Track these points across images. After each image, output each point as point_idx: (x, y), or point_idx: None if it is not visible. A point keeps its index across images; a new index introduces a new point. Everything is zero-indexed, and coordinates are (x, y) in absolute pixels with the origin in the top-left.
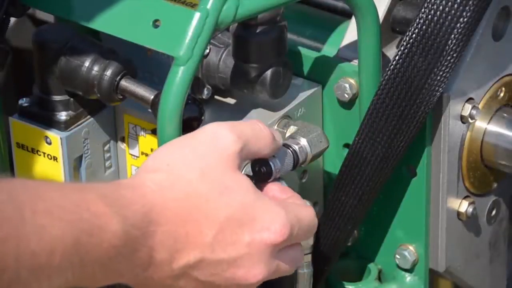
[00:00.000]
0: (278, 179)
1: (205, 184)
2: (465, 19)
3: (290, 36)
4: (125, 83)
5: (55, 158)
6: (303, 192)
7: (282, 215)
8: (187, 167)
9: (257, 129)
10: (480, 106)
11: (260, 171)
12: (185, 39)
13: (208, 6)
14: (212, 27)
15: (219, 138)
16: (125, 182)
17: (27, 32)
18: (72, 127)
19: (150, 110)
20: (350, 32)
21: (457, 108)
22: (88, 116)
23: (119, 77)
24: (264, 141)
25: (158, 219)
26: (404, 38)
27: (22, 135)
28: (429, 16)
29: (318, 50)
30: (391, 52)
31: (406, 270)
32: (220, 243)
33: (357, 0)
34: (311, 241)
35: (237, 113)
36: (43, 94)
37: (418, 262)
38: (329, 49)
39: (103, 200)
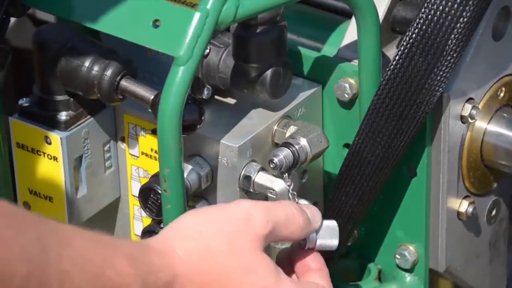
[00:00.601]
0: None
1: (231, 260)
2: (465, 19)
3: (290, 36)
4: (125, 83)
5: (55, 158)
6: (303, 192)
7: None
8: (217, 240)
9: (290, 215)
10: (480, 106)
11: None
12: (185, 39)
13: (208, 6)
14: (212, 27)
15: (251, 219)
16: (155, 247)
17: (27, 32)
18: (72, 127)
19: (150, 110)
20: (350, 32)
21: (457, 108)
22: (88, 116)
23: (119, 77)
24: (295, 227)
25: None
26: (404, 38)
27: (22, 135)
28: (429, 16)
29: (318, 50)
30: (391, 52)
31: (406, 270)
32: None
33: (357, 0)
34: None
35: (237, 113)
36: (43, 94)
37: (418, 262)
38: (329, 49)
39: (129, 261)
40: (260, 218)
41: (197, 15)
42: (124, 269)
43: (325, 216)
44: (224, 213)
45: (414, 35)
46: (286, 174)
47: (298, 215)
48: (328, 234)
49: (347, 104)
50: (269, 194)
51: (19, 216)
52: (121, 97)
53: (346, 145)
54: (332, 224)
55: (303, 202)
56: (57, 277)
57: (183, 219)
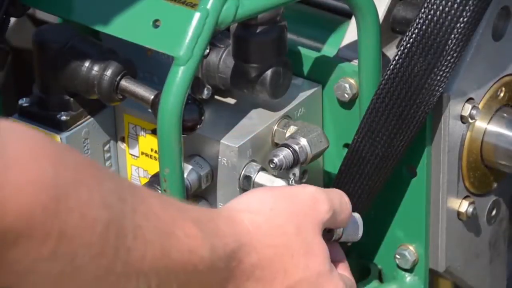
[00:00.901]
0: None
1: (296, 240)
2: (465, 19)
3: (290, 36)
4: (125, 83)
5: None
6: None
7: None
8: (285, 219)
9: (344, 203)
10: (480, 106)
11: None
12: (185, 39)
13: (208, 6)
14: (212, 27)
15: (318, 203)
16: (224, 215)
17: (27, 32)
18: (72, 127)
19: (150, 110)
20: (350, 32)
21: (457, 108)
22: (88, 116)
23: (119, 77)
24: (345, 216)
25: (242, 258)
26: (404, 38)
27: None
28: (429, 16)
29: (318, 50)
30: (391, 52)
31: (406, 270)
32: None
33: (357, 0)
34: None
35: (237, 113)
36: (43, 94)
37: (418, 262)
38: (329, 49)
39: (197, 225)
40: (324, 205)
41: (197, 15)
42: (192, 231)
43: None
44: (293, 195)
45: (414, 35)
46: (292, 174)
47: (348, 204)
48: (353, 227)
49: (347, 104)
50: None
51: (100, 168)
52: (121, 97)
53: (346, 145)
54: (356, 216)
55: None
56: (132, 229)
57: (254, 194)
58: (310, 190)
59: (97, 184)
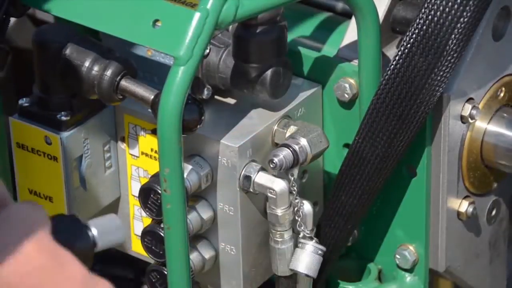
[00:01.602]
0: None
1: None
2: (465, 19)
3: (290, 36)
4: (125, 83)
5: (55, 158)
6: (303, 192)
7: None
8: None
9: None
10: (480, 106)
11: None
12: (185, 39)
13: (208, 6)
14: (212, 27)
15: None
16: None
17: (27, 32)
18: (72, 127)
19: (150, 110)
20: (350, 32)
21: (457, 108)
22: (88, 116)
23: (119, 77)
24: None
25: None
26: (404, 38)
27: (22, 135)
28: (429, 16)
29: (318, 50)
30: (391, 52)
31: (406, 270)
32: None
33: (357, 0)
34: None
35: (237, 113)
36: (43, 94)
37: (418, 262)
38: (329, 49)
39: None
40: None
41: (197, 15)
42: None
43: (325, 216)
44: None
45: (414, 35)
46: (291, 175)
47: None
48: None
49: (347, 104)
50: (269, 194)
51: None
52: (121, 97)
53: (346, 145)
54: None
55: (304, 202)
56: None
57: None
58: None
59: None
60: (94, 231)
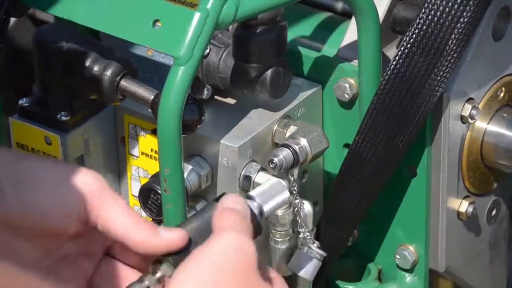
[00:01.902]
0: None
1: None
2: (465, 19)
3: (290, 36)
4: (125, 83)
5: (55, 158)
6: (303, 192)
7: None
8: None
9: (240, 204)
10: (480, 106)
11: None
12: (185, 39)
13: (208, 6)
14: (212, 27)
15: (249, 255)
16: None
17: (27, 32)
18: (72, 127)
19: (150, 110)
20: (350, 32)
21: (457, 108)
22: (88, 116)
23: (119, 77)
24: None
25: None
26: (404, 38)
27: (22, 135)
28: (429, 16)
29: (318, 50)
30: (391, 52)
31: (406, 270)
32: None
33: (357, 0)
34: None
35: (237, 113)
36: (43, 94)
37: (418, 262)
38: (329, 49)
39: None
40: (251, 248)
41: (197, 15)
42: None
43: (325, 216)
44: (224, 262)
45: (414, 35)
46: (291, 175)
47: (239, 199)
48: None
49: (347, 104)
50: None
51: None
52: (121, 97)
53: (346, 145)
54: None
55: (304, 202)
56: None
57: (188, 280)
58: (229, 246)
59: None
60: (258, 200)
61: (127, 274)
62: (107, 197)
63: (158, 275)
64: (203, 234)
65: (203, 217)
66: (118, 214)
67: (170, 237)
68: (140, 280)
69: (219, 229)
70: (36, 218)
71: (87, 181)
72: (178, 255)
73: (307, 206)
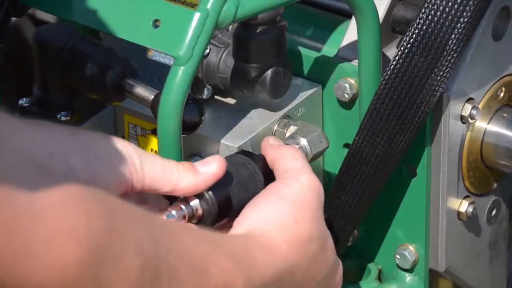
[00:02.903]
0: None
1: (318, 244)
2: (465, 19)
3: (290, 36)
4: (125, 83)
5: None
6: None
7: (342, 269)
8: (310, 230)
9: (297, 153)
10: (480, 106)
11: None
12: (185, 39)
13: (208, 6)
14: (212, 27)
15: (319, 193)
16: (259, 240)
17: (27, 32)
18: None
19: (150, 110)
20: (350, 32)
21: (457, 108)
22: (88, 116)
23: (119, 77)
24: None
25: (278, 283)
26: (404, 38)
27: None
28: (429, 16)
29: (318, 50)
30: (391, 52)
31: (406, 270)
32: None
33: (357, 0)
34: None
35: (237, 113)
36: (43, 94)
37: (418, 262)
38: (329, 49)
39: (233, 258)
40: (320, 188)
41: (197, 15)
42: (227, 266)
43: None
44: (303, 199)
45: (414, 35)
46: None
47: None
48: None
49: (347, 104)
50: None
51: (132, 211)
52: (121, 97)
53: (346, 145)
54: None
55: None
56: (166, 272)
57: (271, 208)
58: (309, 184)
59: (130, 230)
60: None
61: None
62: (148, 161)
63: (193, 205)
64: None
65: (231, 159)
66: (161, 173)
67: (209, 170)
68: (177, 207)
69: (295, 169)
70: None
71: (130, 150)
72: (216, 189)
73: None
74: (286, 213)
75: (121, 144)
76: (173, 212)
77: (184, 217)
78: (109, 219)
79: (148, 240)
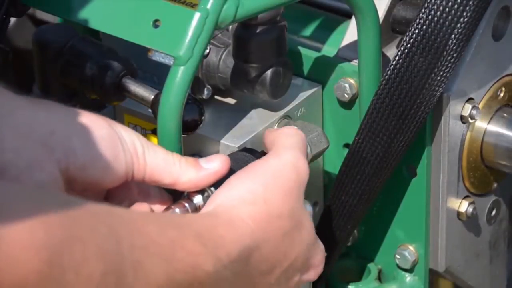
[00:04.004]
0: None
1: (291, 222)
2: (465, 19)
3: (290, 36)
4: (125, 83)
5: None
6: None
7: (324, 252)
8: (281, 207)
9: (299, 135)
10: (480, 106)
11: None
12: (185, 39)
13: (208, 6)
14: (212, 27)
15: (299, 170)
16: (225, 218)
17: (27, 32)
18: None
19: (150, 110)
20: (350, 32)
21: (457, 108)
22: None
23: (119, 77)
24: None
25: (247, 260)
26: (404, 38)
27: None
28: (429, 16)
29: (318, 50)
30: (391, 52)
31: (406, 270)
32: (280, 280)
33: (357, 0)
34: None
35: (237, 113)
36: (43, 94)
37: (418, 262)
38: (329, 49)
39: (199, 239)
40: (304, 167)
41: (197, 15)
42: (194, 248)
43: (325, 216)
44: (279, 176)
45: (414, 35)
46: None
47: (295, 129)
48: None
49: (347, 104)
50: None
51: (92, 212)
52: (121, 97)
53: (346, 145)
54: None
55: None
56: (131, 268)
57: (243, 184)
58: (289, 161)
59: (90, 234)
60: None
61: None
62: (150, 151)
63: (196, 202)
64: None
65: (234, 156)
66: (163, 164)
67: (212, 167)
68: (180, 205)
69: (282, 146)
70: (96, 172)
71: (133, 138)
72: (219, 186)
73: (307, 206)
74: (256, 189)
75: (124, 131)
76: (177, 209)
77: None
78: (67, 226)
79: (110, 240)
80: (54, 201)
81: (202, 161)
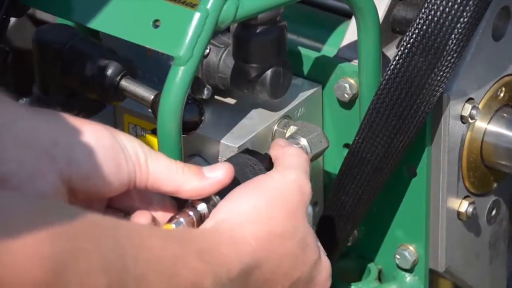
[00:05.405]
0: None
1: (294, 242)
2: (465, 19)
3: (290, 36)
4: (125, 83)
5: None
6: None
7: (330, 269)
8: (284, 225)
9: (301, 154)
10: (480, 106)
11: None
12: (185, 39)
13: (208, 6)
14: (212, 27)
15: (303, 190)
16: (227, 235)
17: (27, 32)
18: None
19: (150, 110)
20: (350, 32)
21: (457, 108)
22: (88, 116)
23: (119, 77)
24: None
25: (247, 278)
26: (404, 38)
27: None
28: (429, 16)
29: (318, 50)
30: (391, 52)
31: (406, 270)
32: None
33: (357, 0)
34: None
35: (237, 113)
36: (43, 94)
37: (418, 262)
38: (329, 49)
39: (200, 256)
40: (307, 186)
41: (197, 15)
42: (196, 266)
43: (325, 216)
44: (283, 194)
45: (414, 35)
46: None
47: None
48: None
49: (347, 104)
50: None
51: (97, 224)
52: (121, 97)
53: (346, 145)
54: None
55: None
56: (134, 281)
57: (247, 201)
58: (292, 180)
59: (95, 245)
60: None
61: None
62: (153, 159)
63: (200, 210)
64: (242, 175)
65: (237, 160)
66: (165, 173)
67: (215, 176)
68: (185, 214)
69: (288, 165)
70: (98, 182)
71: (135, 146)
72: (223, 193)
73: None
74: (260, 206)
75: (127, 139)
76: (181, 219)
77: (192, 224)
78: (72, 237)
79: (114, 253)
80: (58, 212)
81: (206, 169)
